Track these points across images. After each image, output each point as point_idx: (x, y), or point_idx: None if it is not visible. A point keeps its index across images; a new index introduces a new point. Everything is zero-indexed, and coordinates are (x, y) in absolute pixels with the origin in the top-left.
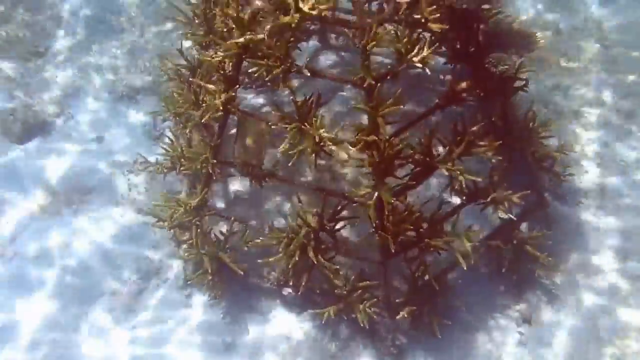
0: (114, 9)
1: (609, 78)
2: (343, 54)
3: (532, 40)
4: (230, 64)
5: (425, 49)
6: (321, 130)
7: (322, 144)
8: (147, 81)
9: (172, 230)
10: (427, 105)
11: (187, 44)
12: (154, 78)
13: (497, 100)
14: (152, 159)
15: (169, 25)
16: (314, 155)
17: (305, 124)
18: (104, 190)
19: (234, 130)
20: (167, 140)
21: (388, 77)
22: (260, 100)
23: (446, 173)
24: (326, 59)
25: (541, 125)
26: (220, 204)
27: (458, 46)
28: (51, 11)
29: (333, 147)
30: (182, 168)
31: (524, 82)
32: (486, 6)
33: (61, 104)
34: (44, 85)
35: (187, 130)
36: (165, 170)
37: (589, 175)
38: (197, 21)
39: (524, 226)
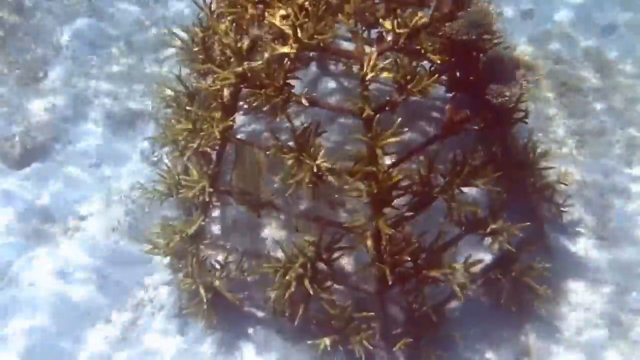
0: (114, 34)
1: (609, 108)
2: (342, 80)
3: (532, 71)
4: (228, 92)
5: (425, 80)
6: (319, 161)
7: (320, 174)
8: (146, 107)
9: (167, 258)
10: (427, 133)
11: (185, 70)
12: (152, 104)
13: (497, 130)
14: (149, 184)
15: (168, 51)
16: (312, 185)
17: (304, 154)
18: (100, 215)
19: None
20: (164, 166)
21: (387, 108)
22: (260, 126)
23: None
24: (325, 86)
25: (541, 155)
26: (217, 230)
27: (458, 75)
28: (50, 36)
29: (331, 178)
30: (179, 195)
31: (523, 113)
32: (486, 36)
33: (59, 130)
34: (42, 110)
35: (185, 158)
36: (162, 197)
37: (590, 205)
38: (195, 49)
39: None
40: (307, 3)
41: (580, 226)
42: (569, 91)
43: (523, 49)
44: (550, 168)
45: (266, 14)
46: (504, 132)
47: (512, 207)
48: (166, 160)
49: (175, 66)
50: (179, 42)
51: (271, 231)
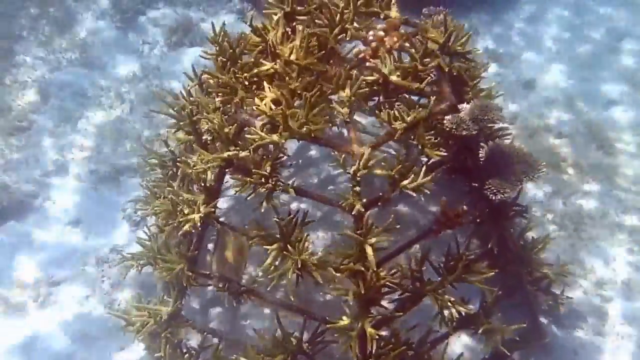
0: (103, 85)
1: (611, 188)
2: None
3: (534, 167)
4: (213, 175)
5: (421, 176)
6: (304, 255)
7: (304, 265)
8: (131, 162)
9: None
10: (420, 206)
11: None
12: (138, 159)
13: (495, 225)
14: (130, 247)
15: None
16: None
17: (288, 245)
18: (75, 281)
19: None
20: (145, 233)
21: (379, 203)
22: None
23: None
24: (314, 154)
25: (538, 245)
26: (195, 305)
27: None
28: (38, 85)
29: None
30: (157, 273)
31: (522, 208)
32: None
33: (40, 184)
34: (24, 163)
35: (164, 235)
36: (139, 268)
37: (587, 296)
38: (182, 123)
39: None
40: (298, 87)
41: (578, 319)
42: (569, 167)
43: (522, 121)
44: (549, 265)
45: (256, 98)
46: (502, 228)
47: (507, 300)
48: (146, 229)
49: (162, 124)
50: (170, 111)
51: (251, 310)
